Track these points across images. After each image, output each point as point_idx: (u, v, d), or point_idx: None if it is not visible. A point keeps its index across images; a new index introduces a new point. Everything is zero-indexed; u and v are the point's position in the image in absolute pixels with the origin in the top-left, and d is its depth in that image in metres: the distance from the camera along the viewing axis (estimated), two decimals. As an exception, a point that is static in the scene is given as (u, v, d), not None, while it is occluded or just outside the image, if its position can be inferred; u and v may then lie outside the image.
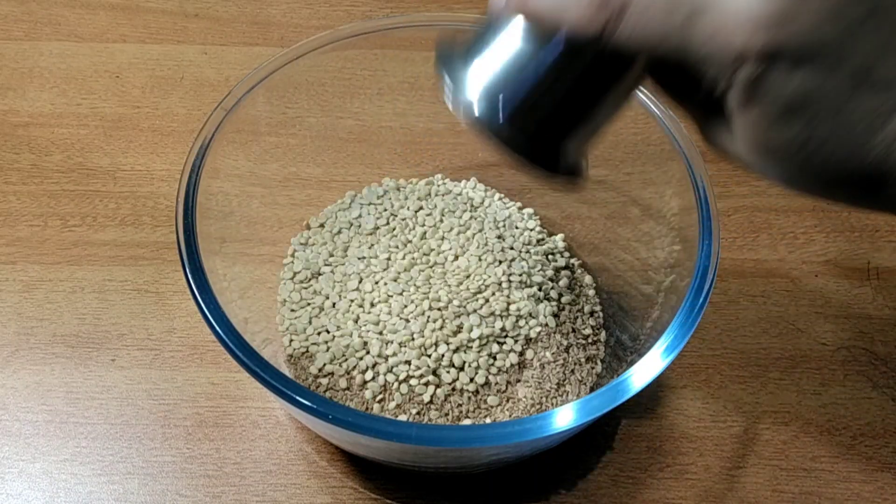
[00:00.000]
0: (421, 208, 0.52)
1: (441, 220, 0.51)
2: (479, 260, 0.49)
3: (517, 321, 0.47)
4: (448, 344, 0.45)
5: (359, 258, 0.50)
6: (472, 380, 0.45)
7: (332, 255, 0.50)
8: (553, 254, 0.52)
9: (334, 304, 0.48)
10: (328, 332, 0.47)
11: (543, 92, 0.30)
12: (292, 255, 0.51)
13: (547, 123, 0.31)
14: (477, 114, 0.31)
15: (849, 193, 0.28)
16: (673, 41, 0.27)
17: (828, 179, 0.28)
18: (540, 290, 0.49)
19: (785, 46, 0.25)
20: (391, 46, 0.51)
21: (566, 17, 0.28)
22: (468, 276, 0.48)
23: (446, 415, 0.45)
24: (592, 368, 0.48)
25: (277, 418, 0.48)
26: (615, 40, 0.28)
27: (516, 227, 0.52)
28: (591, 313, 0.50)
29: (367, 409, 0.45)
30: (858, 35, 0.26)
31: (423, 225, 0.51)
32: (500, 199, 0.55)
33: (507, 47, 0.31)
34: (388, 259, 0.49)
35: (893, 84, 0.26)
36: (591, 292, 0.51)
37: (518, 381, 0.46)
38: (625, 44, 0.28)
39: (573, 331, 0.48)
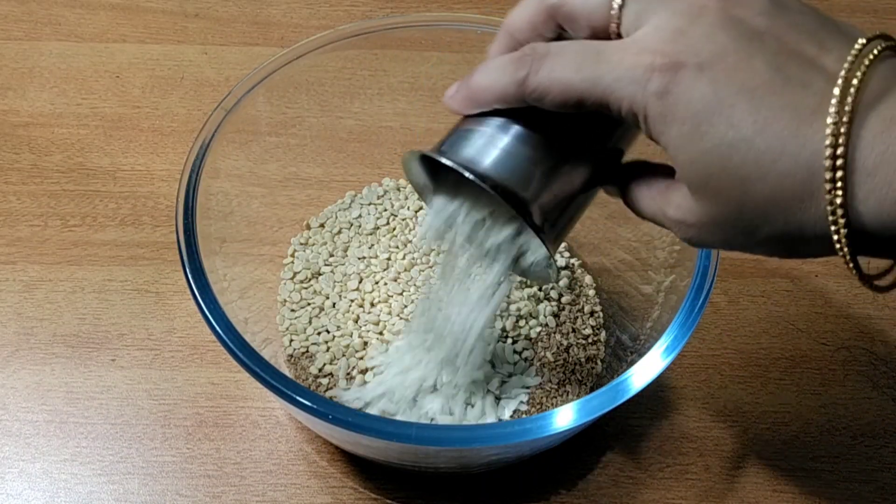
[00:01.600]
0: (421, 208, 0.52)
1: (441, 220, 0.51)
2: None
3: (517, 321, 0.47)
4: (448, 344, 0.45)
5: (359, 258, 0.50)
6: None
7: (332, 255, 0.50)
8: (553, 254, 0.52)
9: (334, 304, 0.48)
10: (328, 332, 0.47)
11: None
12: (292, 255, 0.51)
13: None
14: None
15: (783, 212, 0.27)
16: (587, 75, 0.29)
17: (762, 193, 0.27)
18: (540, 290, 0.49)
19: (682, 56, 0.27)
20: (391, 46, 0.51)
21: (499, 83, 0.31)
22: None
23: (446, 415, 0.45)
24: (592, 368, 0.48)
25: (277, 418, 0.48)
26: (536, 85, 0.30)
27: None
28: (591, 313, 0.50)
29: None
30: (755, 40, 0.27)
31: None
32: (500, 199, 0.54)
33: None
34: (388, 259, 0.49)
35: (809, 83, 0.27)
36: (591, 292, 0.51)
37: (518, 381, 0.46)
38: (545, 87, 0.30)
39: (573, 331, 0.48)
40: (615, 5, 0.30)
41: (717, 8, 0.28)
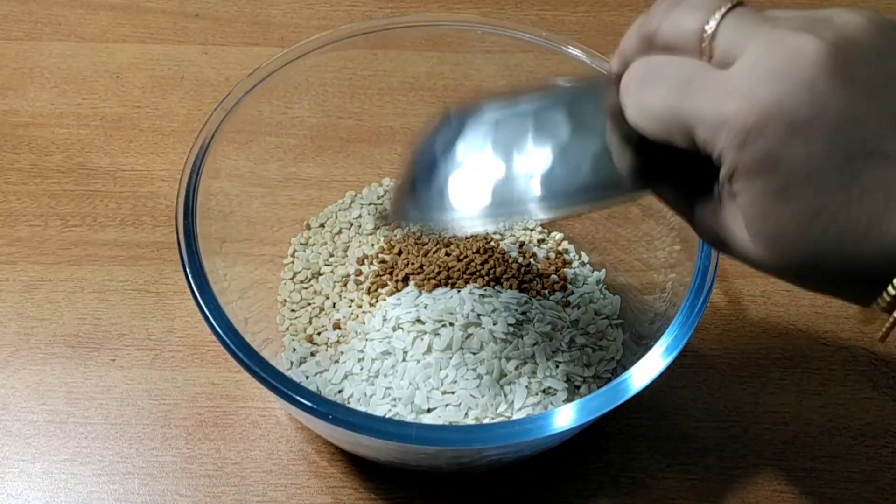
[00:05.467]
0: (421, 208, 0.52)
1: (441, 220, 0.51)
2: (479, 260, 0.49)
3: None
4: (448, 344, 0.45)
5: (359, 258, 0.50)
6: (472, 380, 0.45)
7: (332, 255, 0.51)
8: (553, 254, 0.52)
9: (334, 304, 0.48)
10: (328, 331, 0.47)
11: None
12: (292, 255, 0.51)
13: None
14: None
15: (855, 284, 0.27)
16: (672, 106, 0.28)
17: (839, 263, 0.26)
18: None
19: (775, 108, 0.25)
20: (391, 46, 0.51)
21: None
22: (468, 276, 0.48)
23: (446, 415, 0.45)
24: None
25: (277, 418, 0.48)
26: (628, 115, 0.29)
27: (516, 227, 0.52)
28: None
29: (367, 409, 0.45)
30: (858, 95, 0.25)
31: (423, 225, 0.51)
32: (500, 199, 0.54)
33: None
34: (388, 259, 0.49)
35: None
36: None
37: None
38: (635, 122, 0.29)
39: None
40: (705, 37, 0.28)
41: (816, 50, 0.25)
